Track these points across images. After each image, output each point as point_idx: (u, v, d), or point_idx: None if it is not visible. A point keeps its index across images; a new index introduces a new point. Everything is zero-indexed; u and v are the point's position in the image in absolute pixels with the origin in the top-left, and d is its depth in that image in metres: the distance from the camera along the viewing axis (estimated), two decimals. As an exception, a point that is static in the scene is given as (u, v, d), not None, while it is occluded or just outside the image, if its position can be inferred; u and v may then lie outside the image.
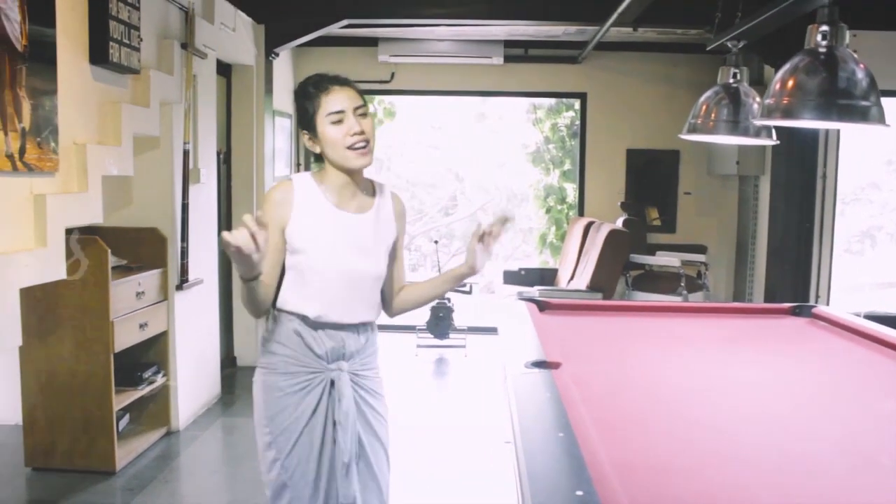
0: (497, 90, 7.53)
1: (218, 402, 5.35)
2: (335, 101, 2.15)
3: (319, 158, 2.26)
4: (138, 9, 3.89)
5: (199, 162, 4.93)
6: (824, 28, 2.72)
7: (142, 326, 4.28)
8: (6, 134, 2.97)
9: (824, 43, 2.72)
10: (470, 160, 12.92)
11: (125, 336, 4.10)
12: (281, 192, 2.21)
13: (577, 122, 7.73)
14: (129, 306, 4.16)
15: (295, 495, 2.22)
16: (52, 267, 3.26)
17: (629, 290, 6.54)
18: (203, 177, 4.95)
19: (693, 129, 3.68)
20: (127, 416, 4.59)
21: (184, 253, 4.67)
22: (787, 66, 2.76)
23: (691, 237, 7.19)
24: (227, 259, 6.03)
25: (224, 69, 5.89)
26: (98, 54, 3.59)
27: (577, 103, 7.73)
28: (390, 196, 2.36)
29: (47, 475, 4.04)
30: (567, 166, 8.40)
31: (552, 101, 8.74)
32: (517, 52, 7.09)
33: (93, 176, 3.55)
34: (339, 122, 2.14)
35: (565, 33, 6.50)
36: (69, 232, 3.44)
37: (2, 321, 2.94)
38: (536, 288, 6.36)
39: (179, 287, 4.66)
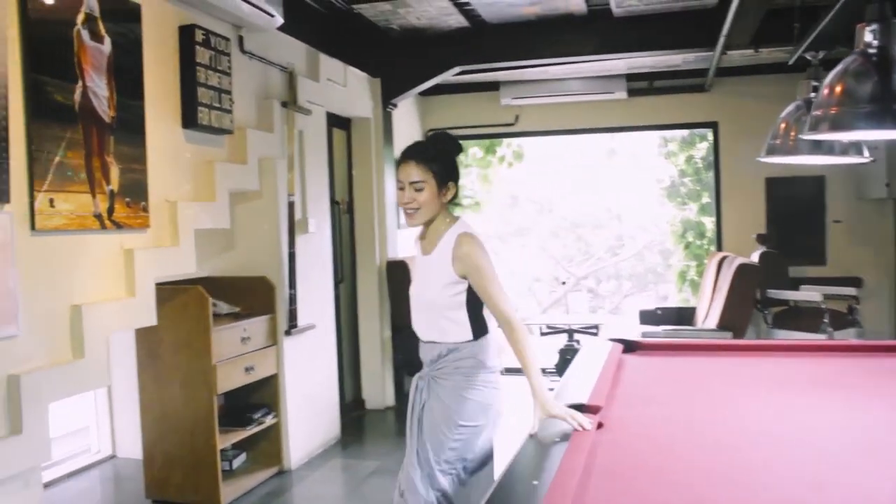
0: (624, 125, 7.35)
1: (337, 444, 5.51)
2: (401, 173, 2.68)
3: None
4: (229, 74, 4.21)
5: (308, 213, 5.18)
6: (874, 26, 2.46)
7: (248, 370, 4.53)
8: (94, 196, 3.31)
9: (875, 43, 2.45)
10: (625, 199, 12.59)
11: (229, 379, 4.36)
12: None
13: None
14: (234, 350, 4.41)
15: None
16: (140, 315, 3.56)
17: (769, 328, 6.07)
18: (312, 227, 5.20)
19: (772, 151, 3.40)
20: (243, 455, 4.86)
21: (292, 299, 4.91)
22: (835, 71, 2.51)
23: (844, 269, 6.57)
24: (350, 305, 6.29)
25: (343, 122, 6.20)
26: (189, 119, 3.92)
27: (709, 133, 7.37)
28: (454, 241, 2.67)
29: (162, 506, 4.36)
30: (705, 199, 7.98)
31: (684, 132, 8.38)
32: (641, 84, 6.90)
33: (184, 230, 3.85)
34: (402, 189, 2.68)
35: (685, 62, 6.26)
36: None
37: (92, 363, 3.24)
38: (663, 328, 6.06)
39: (288, 332, 4.89)
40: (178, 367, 4.29)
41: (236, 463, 4.77)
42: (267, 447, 4.89)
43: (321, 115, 5.44)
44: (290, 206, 4.88)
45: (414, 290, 2.83)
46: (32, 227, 3.01)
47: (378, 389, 6.40)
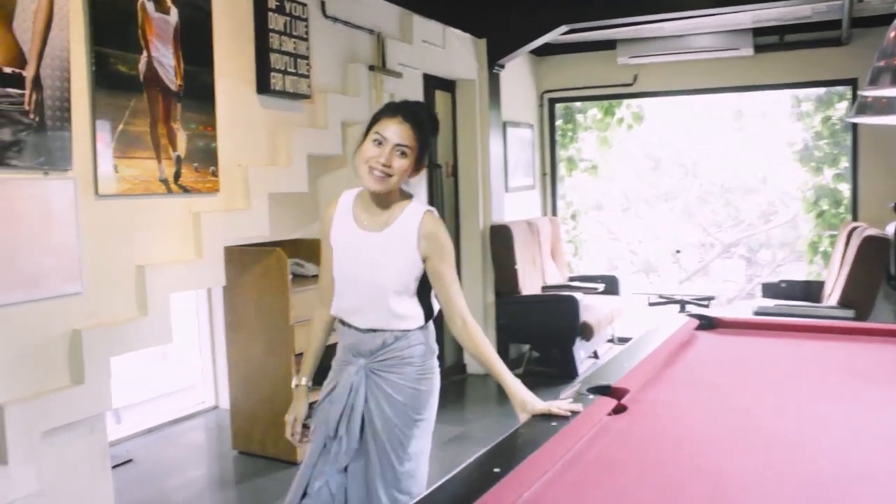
0: (751, 84, 6.79)
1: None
2: (386, 128, 2.27)
3: None
4: (306, 39, 4.25)
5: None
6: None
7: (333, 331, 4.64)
8: (160, 162, 3.47)
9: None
10: (764, 163, 11.71)
11: (306, 339, 4.47)
12: (325, 209, 2.52)
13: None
14: (311, 312, 4.52)
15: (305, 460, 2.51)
16: (207, 276, 3.71)
17: (904, 308, 5.48)
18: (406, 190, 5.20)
19: (863, 110, 3.01)
20: (331, 412, 5.01)
21: (380, 263, 4.95)
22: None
23: None
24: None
25: (447, 84, 6.14)
26: (263, 85, 4.01)
27: (847, 91, 6.64)
28: (420, 218, 2.39)
29: (247, 458, 4.57)
30: (843, 164, 7.24)
31: (820, 91, 7.61)
32: (769, 39, 6.34)
33: (256, 195, 3.96)
34: (379, 144, 2.27)
35: (815, 12, 5.66)
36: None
37: (155, 321, 3.43)
38: (776, 303, 5.62)
39: (376, 295, 4.94)
40: (259, 326, 4.46)
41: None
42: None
43: (416, 77, 5.40)
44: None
45: (350, 271, 2.40)
46: (96, 191, 3.20)
47: (480, 354, 6.37)
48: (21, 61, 2.88)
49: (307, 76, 4.27)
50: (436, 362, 2.49)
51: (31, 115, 2.91)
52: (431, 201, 5.99)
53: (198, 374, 5.46)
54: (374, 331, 2.40)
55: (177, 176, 3.56)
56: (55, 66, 2.99)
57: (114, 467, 4.39)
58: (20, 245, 2.90)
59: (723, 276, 12.61)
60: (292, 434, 2.61)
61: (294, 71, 4.17)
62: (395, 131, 2.27)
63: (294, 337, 4.35)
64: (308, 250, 4.87)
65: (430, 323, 2.48)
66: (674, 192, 13.01)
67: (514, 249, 6.13)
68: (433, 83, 5.97)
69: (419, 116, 2.33)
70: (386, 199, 2.38)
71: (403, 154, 2.29)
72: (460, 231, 6.35)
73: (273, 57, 4.02)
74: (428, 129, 2.36)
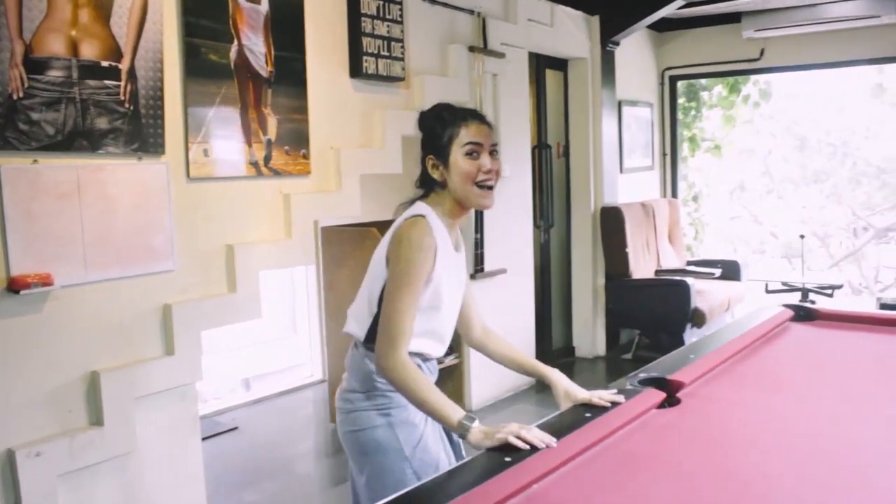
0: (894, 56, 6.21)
1: (530, 389, 5.53)
2: (475, 132, 2.08)
3: (427, 183, 2.18)
4: (400, 22, 4.29)
5: (503, 157, 5.14)
6: None
7: (426, 310, 4.70)
8: (250, 146, 3.63)
9: None
10: None
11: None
12: (430, 240, 2.02)
13: None
14: (411, 291, 4.60)
15: None
16: (296, 255, 3.85)
17: None
18: (507, 172, 5.17)
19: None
20: (430, 391, 5.09)
21: (478, 244, 4.97)
22: None
23: None
24: (563, 250, 6.18)
25: (559, 63, 6.03)
26: (356, 68, 4.09)
27: None
28: (459, 231, 2.27)
29: (345, 432, 4.74)
30: None
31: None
32: (917, 4, 5.76)
33: (348, 176, 4.06)
34: (475, 155, 2.07)
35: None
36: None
37: (244, 297, 3.61)
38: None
39: (473, 276, 4.97)
40: (351, 302, 4.58)
41: (421, 397, 5.01)
42: (451, 386, 5.07)
43: (521, 57, 5.33)
44: (478, 151, 4.89)
45: (455, 299, 2.19)
46: (187, 175, 3.39)
47: (588, 338, 6.27)
48: (117, 55, 3.08)
49: (401, 59, 4.31)
50: None
51: (127, 105, 3.12)
52: (540, 183, 5.93)
53: (308, 349, 5.70)
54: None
55: (267, 159, 3.71)
56: (149, 57, 3.18)
57: (219, 434, 4.70)
58: (117, 226, 3.13)
59: (879, 262, 11.70)
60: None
61: (388, 54, 4.23)
62: (481, 132, 2.09)
63: (388, 316, 4.44)
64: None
65: None
66: (823, 173, 12.16)
67: (625, 232, 5.96)
68: (543, 62, 5.88)
69: (478, 112, 2.18)
70: (456, 213, 2.17)
71: (496, 154, 2.12)
72: (570, 213, 6.25)
73: (365, 41, 4.09)
74: None
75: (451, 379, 5.05)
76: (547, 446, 1.79)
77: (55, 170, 2.93)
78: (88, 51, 2.99)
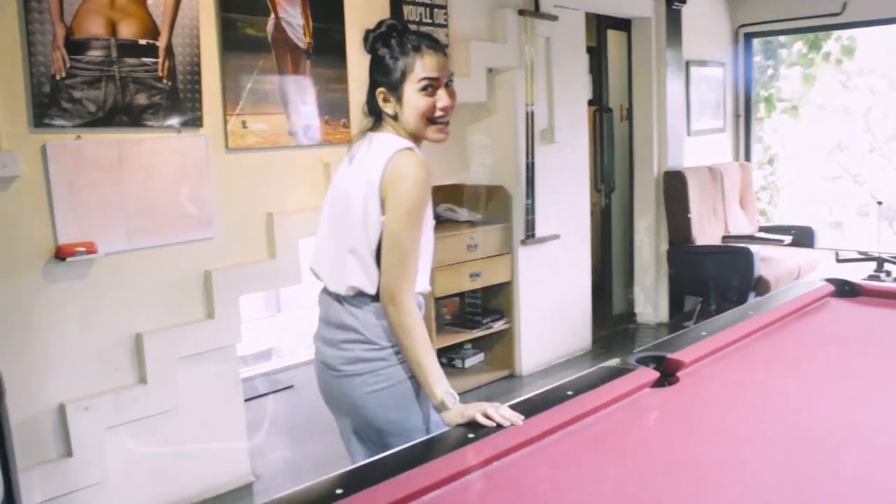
0: None
1: (585, 355, 5.52)
2: (432, 66, 1.97)
3: (373, 112, 2.10)
4: (443, -12, 4.29)
5: (555, 121, 5.10)
6: None
7: (473, 276, 4.75)
8: (289, 116, 3.73)
9: None
10: None
11: (450, 283, 4.62)
12: (427, 172, 1.98)
13: None
14: (457, 257, 4.64)
15: None
16: (338, 222, 3.95)
17: None
18: (558, 136, 5.11)
19: None
20: (481, 355, 5.16)
21: (529, 209, 4.96)
22: None
23: None
24: (625, 215, 6.08)
25: (623, 23, 5.87)
26: (397, 37, 4.11)
27: None
28: None
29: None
30: None
31: None
32: None
33: (390, 144, 4.11)
34: (430, 90, 1.98)
35: None
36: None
37: (283, 264, 3.74)
38: None
39: (524, 241, 4.97)
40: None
41: (471, 362, 5.09)
42: (501, 351, 5.13)
43: (577, 18, 5.21)
44: (529, 115, 4.86)
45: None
46: (226, 146, 3.52)
47: (651, 304, 6.18)
48: (154, 33, 3.22)
49: (444, 25, 4.31)
50: None
51: (165, 81, 3.26)
52: (601, 146, 5.84)
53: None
54: None
55: (307, 128, 3.80)
56: (185, 34, 3.31)
57: (275, 392, 4.91)
58: (158, 195, 3.30)
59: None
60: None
61: (430, 21, 4.23)
62: (437, 65, 1.98)
63: (434, 281, 4.50)
64: (461, 196, 5.01)
65: None
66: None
67: (687, 197, 5.81)
68: (605, 22, 5.74)
69: (434, 38, 2.06)
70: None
71: (451, 83, 2.03)
72: (634, 177, 6.13)
73: (406, 9, 4.11)
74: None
75: (501, 344, 5.10)
76: (512, 424, 1.80)
77: (97, 144, 3.10)
78: (126, 30, 3.13)
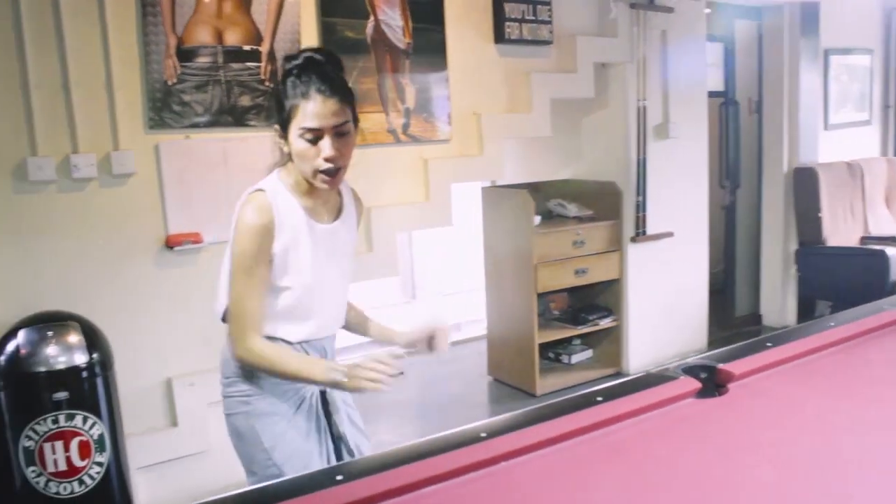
0: None
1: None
2: (313, 115, 1.83)
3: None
4: (546, -15, 4.28)
5: (671, 116, 4.96)
6: None
7: (579, 272, 4.74)
8: (387, 114, 3.88)
9: None
10: None
11: (553, 280, 4.64)
12: (262, 218, 1.88)
13: None
14: (562, 253, 4.65)
15: None
16: (434, 216, 4.08)
17: None
18: (673, 131, 4.97)
19: None
20: (589, 352, 5.14)
21: (640, 206, 4.87)
22: None
23: None
24: (751, 213, 5.81)
25: (753, 13, 5.60)
26: (499, 34, 4.17)
27: None
28: (351, 196, 2.15)
29: (498, 385, 4.97)
30: None
31: None
32: None
33: (490, 141, 4.18)
34: (314, 139, 1.85)
35: None
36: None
37: (380, 257, 3.91)
38: None
39: (634, 239, 4.89)
40: (508, 263, 4.74)
41: (578, 357, 5.08)
42: (609, 348, 5.08)
43: (697, 8, 5.03)
44: (641, 111, 4.77)
45: (319, 277, 1.98)
46: (326, 143, 3.71)
47: (777, 306, 5.89)
48: (257, 39, 3.46)
49: (549, 22, 4.31)
50: None
51: (267, 83, 3.50)
52: (725, 141, 5.63)
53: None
54: (333, 335, 2.13)
55: (405, 127, 3.94)
56: (287, 38, 3.53)
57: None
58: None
59: None
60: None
61: (533, 18, 4.25)
62: (322, 113, 1.82)
63: (537, 277, 4.54)
64: (571, 191, 5.01)
65: None
66: None
67: (818, 195, 5.48)
68: (732, 12, 5.50)
69: (332, 77, 1.87)
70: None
71: (345, 133, 1.87)
72: (762, 174, 5.84)
73: (508, 6, 4.15)
74: (344, 81, 1.94)
75: (609, 341, 5.05)
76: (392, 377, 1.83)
77: (204, 143, 3.38)
78: (232, 38, 3.39)
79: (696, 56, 5.08)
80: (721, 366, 2.22)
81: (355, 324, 2.26)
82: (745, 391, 2.12)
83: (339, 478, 1.60)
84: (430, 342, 2.17)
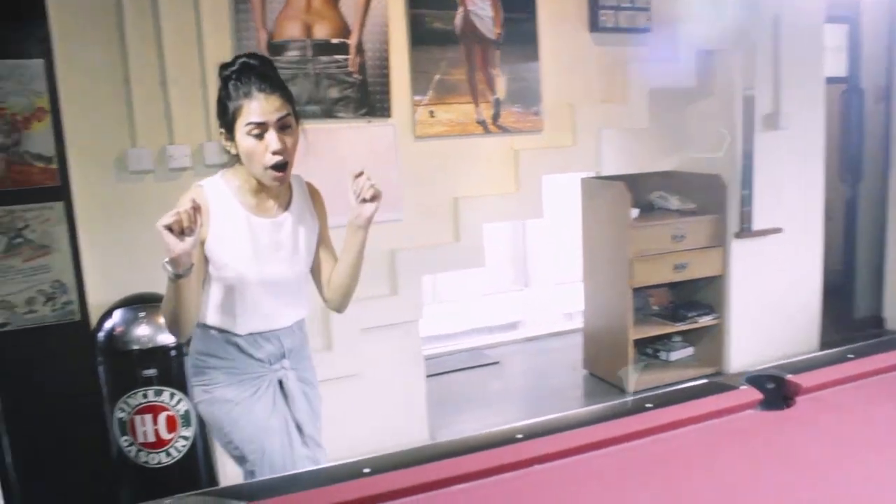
0: None
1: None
2: (257, 110, 1.94)
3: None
4: (647, -29, 4.14)
5: (782, 106, 4.70)
6: None
7: (678, 268, 4.58)
8: (477, 105, 3.88)
9: None
10: None
11: (649, 274, 4.50)
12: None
13: None
14: (660, 247, 4.50)
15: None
16: (524, 208, 4.05)
17: None
18: (783, 122, 4.70)
19: None
20: (690, 349, 4.98)
21: (745, 200, 4.65)
22: None
23: None
24: (875, 207, 5.42)
25: (883, -7, 5.21)
26: (594, 23, 4.07)
27: None
28: (306, 189, 2.25)
29: (592, 379, 4.89)
30: None
31: None
32: None
33: (583, 131, 4.10)
34: (260, 133, 1.96)
35: None
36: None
37: (467, 247, 3.93)
38: None
39: (738, 234, 4.68)
40: (604, 256, 4.65)
41: (677, 355, 4.92)
42: (709, 347, 4.90)
43: (815, -8, 4.74)
44: (748, 100, 4.54)
45: (262, 272, 2.07)
46: (414, 134, 3.76)
47: (904, 309, 5.49)
48: (346, 32, 3.53)
49: (646, 9, 4.17)
50: None
51: (355, 75, 3.57)
52: (845, 133, 5.27)
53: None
54: (292, 327, 2.20)
55: (495, 117, 3.93)
56: (375, 31, 3.58)
57: (481, 366, 5.17)
58: (348, 180, 3.62)
59: None
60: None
61: (629, 5, 4.12)
62: (266, 108, 1.94)
63: (633, 271, 4.43)
64: (674, 183, 4.85)
65: None
66: None
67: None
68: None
69: (270, 76, 1.99)
70: None
71: (287, 125, 2.00)
72: (889, 168, 5.43)
73: (604, -5, 4.05)
74: (282, 80, 2.04)
75: (710, 339, 4.87)
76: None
77: (294, 134, 3.49)
78: (320, 31, 3.48)
79: (812, 41, 4.78)
80: (790, 377, 2.12)
81: (338, 276, 2.25)
82: (814, 405, 2.01)
83: (366, 470, 1.65)
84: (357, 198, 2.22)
